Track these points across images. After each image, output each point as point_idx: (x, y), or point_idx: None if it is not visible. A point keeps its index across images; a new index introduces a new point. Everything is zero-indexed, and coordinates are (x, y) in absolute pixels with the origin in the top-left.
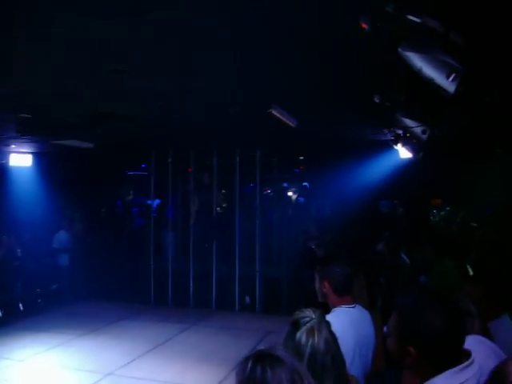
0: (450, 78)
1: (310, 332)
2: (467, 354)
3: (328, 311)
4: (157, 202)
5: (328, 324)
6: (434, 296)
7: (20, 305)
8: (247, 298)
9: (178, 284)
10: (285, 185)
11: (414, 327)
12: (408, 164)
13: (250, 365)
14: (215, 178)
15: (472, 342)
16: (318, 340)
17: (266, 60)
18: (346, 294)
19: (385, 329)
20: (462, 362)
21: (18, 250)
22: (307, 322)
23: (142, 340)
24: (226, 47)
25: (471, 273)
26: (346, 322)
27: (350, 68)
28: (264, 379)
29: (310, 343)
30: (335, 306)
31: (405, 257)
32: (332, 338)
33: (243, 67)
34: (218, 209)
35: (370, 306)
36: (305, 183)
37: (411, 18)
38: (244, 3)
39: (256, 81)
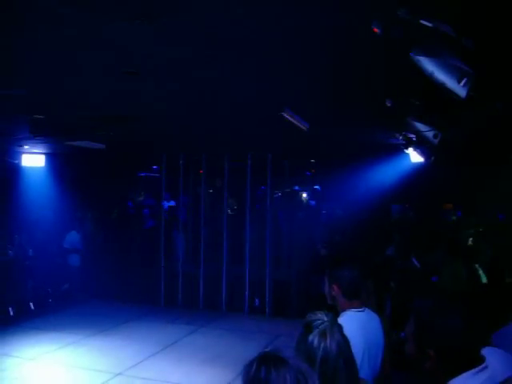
0: (462, 83)
1: (323, 335)
2: (481, 359)
3: (337, 314)
4: (171, 203)
5: (340, 327)
6: (450, 298)
7: (31, 304)
8: (257, 301)
9: (187, 285)
10: (296, 188)
11: (432, 329)
12: (419, 168)
13: (255, 366)
14: (226, 181)
15: (485, 351)
16: (331, 343)
17: (278, 63)
18: (354, 297)
19: (402, 334)
20: (477, 366)
21: (30, 250)
22: (319, 325)
23: (152, 341)
24: (238, 50)
25: (484, 279)
26: (355, 326)
27: (362, 72)
28: (268, 380)
29: (322, 346)
30: (344, 310)
31: (415, 261)
32: (344, 341)
33: (255, 70)
34: (228, 211)
35: (378, 310)
36: (316, 186)
37: (423, 22)
38: (255, 7)
39: (268, 84)
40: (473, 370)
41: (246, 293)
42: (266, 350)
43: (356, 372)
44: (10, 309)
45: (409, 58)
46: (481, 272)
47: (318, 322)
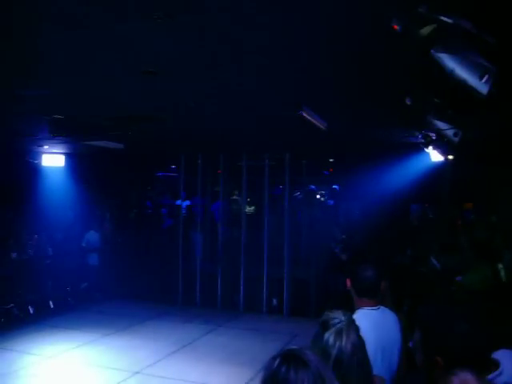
0: (483, 80)
1: (338, 334)
2: (496, 364)
3: (353, 312)
4: (187, 202)
5: (357, 327)
6: (455, 303)
7: (50, 303)
8: (274, 300)
9: (205, 285)
10: (311, 187)
11: (437, 335)
12: (439, 167)
13: (276, 363)
14: (245, 181)
15: (499, 354)
16: (346, 343)
17: (296, 62)
18: (368, 296)
19: (410, 343)
20: (490, 372)
21: (49, 249)
22: (336, 324)
23: (170, 340)
24: (256, 49)
25: (504, 278)
26: (368, 324)
27: (382, 69)
28: (286, 379)
29: (337, 345)
30: (358, 308)
31: (435, 261)
32: (360, 342)
33: (273, 69)
34: (246, 211)
35: (395, 309)
36: (334, 186)
37: (444, 18)
38: (273, 6)
39: (286, 83)
40: (487, 377)
41: (264, 292)
42: (292, 347)
43: (370, 372)
44: (30, 307)
45: (429, 56)
46: (503, 273)
47: (335, 320)
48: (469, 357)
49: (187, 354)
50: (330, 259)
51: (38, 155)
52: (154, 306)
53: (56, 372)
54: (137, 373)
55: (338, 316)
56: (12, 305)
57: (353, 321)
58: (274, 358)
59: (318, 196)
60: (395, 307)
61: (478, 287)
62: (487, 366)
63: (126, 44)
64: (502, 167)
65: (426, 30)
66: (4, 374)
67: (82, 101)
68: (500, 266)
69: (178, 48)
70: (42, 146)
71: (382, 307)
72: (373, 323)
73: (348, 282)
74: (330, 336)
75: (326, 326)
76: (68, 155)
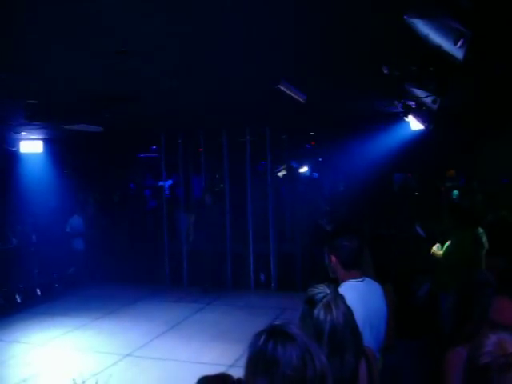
0: (458, 44)
1: (327, 307)
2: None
3: (337, 286)
4: (169, 182)
5: (343, 298)
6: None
7: (37, 290)
8: (262, 276)
9: (192, 264)
10: (292, 163)
11: None
12: (420, 136)
13: (262, 339)
14: (226, 158)
15: None
16: (337, 314)
17: (272, 33)
18: (353, 267)
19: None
20: None
21: (34, 236)
22: (322, 298)
23: (159, 320)
24: (232, 20)
25: (486, 245)
26: (354, 296)
27: (357, 38)
28: (274, 355)
29: (328, 318)
30: (343, 281)
31: (420, 229)
32: (349, 311)
33: (250, 41)
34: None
35: (382, 280)
36: (318, 158)
37: None
38: None
39: (263, 55)
40: None
41: (252, 268)
42: (276, 323)
43: (361, 340)
44: (17, 296)
45: (403, 22)
46: (484, 238)
47: (320, 295)
48: None
49: (178, 334)
50: (316, 232)
51: (15, 142)
52: (141, 288)
53: (47, 359)
54: (128, 355)
55: (322, 290)
56: None
57: (338, 291)
58: (258, 335)
59: (301, 170)
60: (381, 276)
61: (458, 255)
62: None
63: (94, 23)
64: (483, 133)
65: None
66: None
67: (54, 84)
68: (481, 230)
69: (148, 24)
70: (19, 132)
71: (366, 278)
72: (359, 295)
73: (333, 259)
74: (319, 311)
75: (312, 302)
76: (46, 141)
